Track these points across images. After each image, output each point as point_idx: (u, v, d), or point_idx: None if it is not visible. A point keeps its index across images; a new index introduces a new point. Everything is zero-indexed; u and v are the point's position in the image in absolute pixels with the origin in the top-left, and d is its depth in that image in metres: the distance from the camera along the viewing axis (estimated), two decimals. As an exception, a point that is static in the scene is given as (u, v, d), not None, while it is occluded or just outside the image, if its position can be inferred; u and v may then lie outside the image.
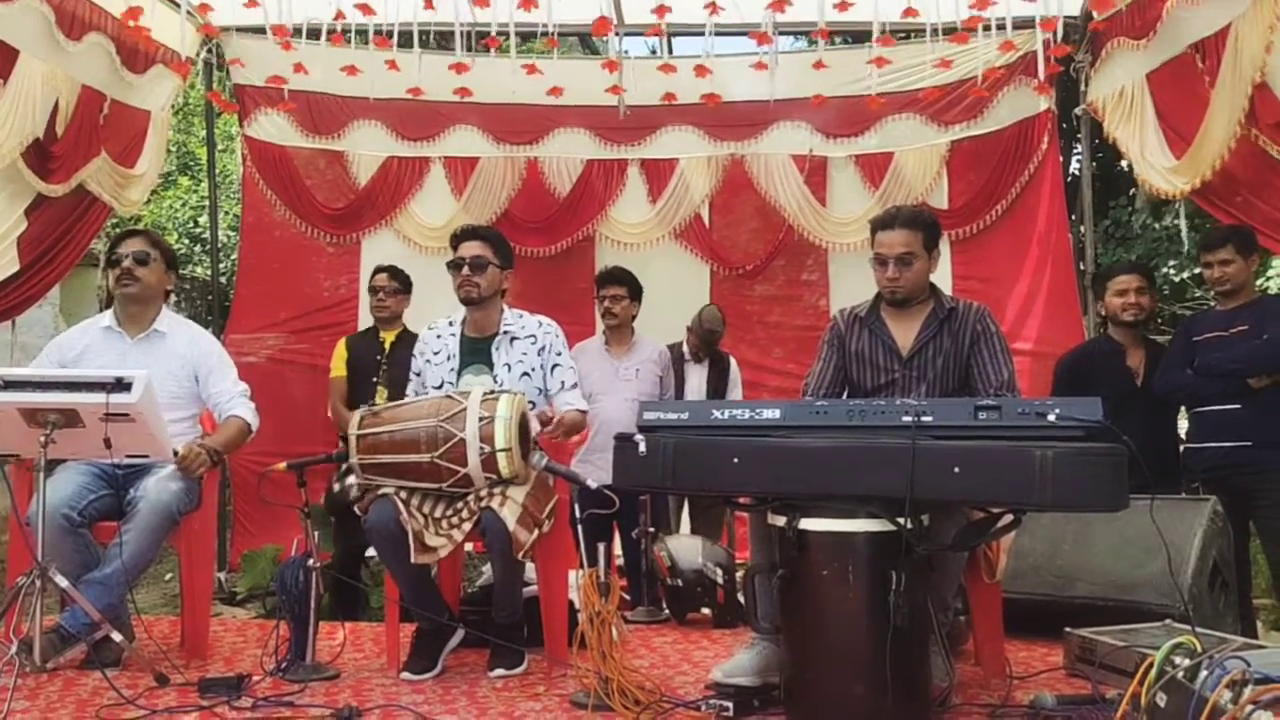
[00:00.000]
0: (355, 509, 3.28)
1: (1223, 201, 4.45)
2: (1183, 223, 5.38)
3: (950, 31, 5.26)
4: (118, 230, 5.41)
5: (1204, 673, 2.07)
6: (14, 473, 3.28)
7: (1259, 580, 4.14)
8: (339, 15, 5.22)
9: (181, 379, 3.50)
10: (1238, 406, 3.69)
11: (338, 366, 4.94)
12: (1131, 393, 4.02)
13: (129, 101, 5.31)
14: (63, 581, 2.91)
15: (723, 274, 6.35)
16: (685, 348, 5.13)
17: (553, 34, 5.21)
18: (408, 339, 4.87)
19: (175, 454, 3.26)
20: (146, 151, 5.53)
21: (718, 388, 5.05)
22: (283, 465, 3.27)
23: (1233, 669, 2.03)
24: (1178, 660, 2.18)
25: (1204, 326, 3.97)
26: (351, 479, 3.17)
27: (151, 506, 3.19)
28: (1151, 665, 2.20)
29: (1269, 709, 1.90)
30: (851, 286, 5.20)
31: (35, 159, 4.65)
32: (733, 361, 5.24)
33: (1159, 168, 4.82)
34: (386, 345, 4.88)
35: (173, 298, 8.98)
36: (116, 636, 3.05)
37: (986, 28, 5.10)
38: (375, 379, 4.79)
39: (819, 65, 5.56)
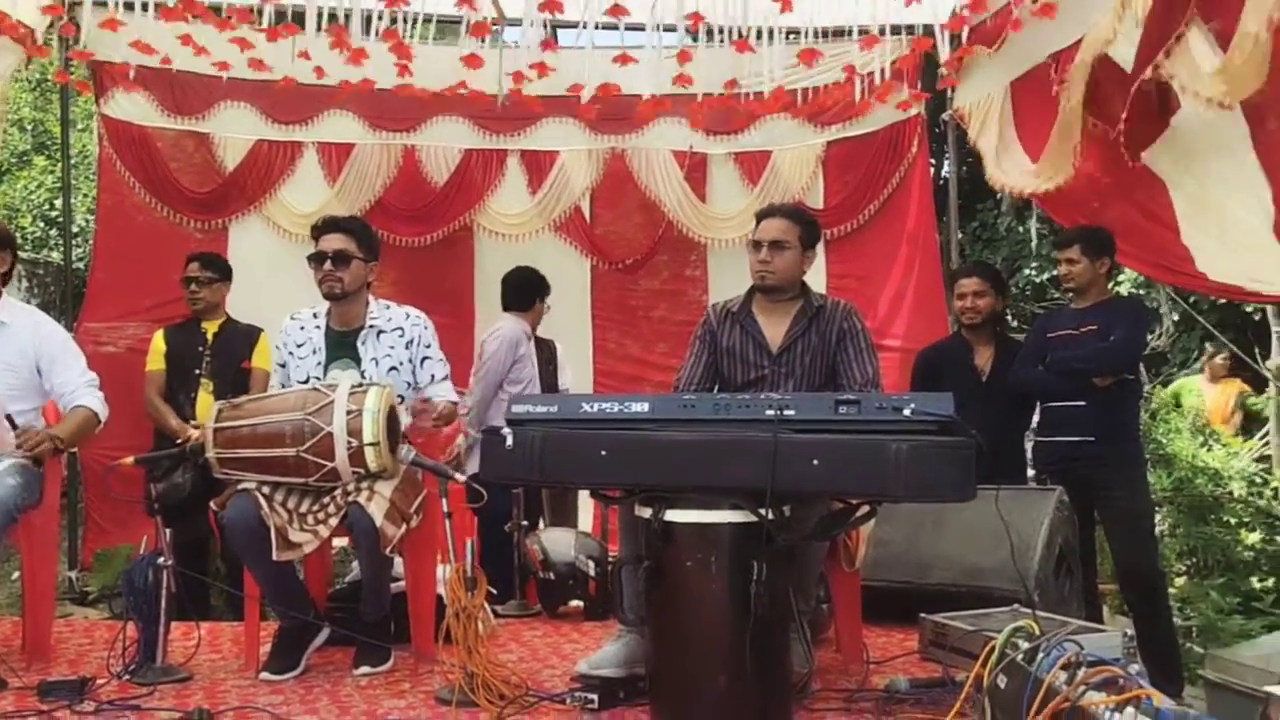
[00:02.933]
0: (213, 504, 3.17)
1: (1071, 208, 4.70)
2: (1033, 226, 5.66)
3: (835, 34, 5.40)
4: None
5: (1041, 655, 2.18)
6: None
7: (1105, 567, 4.37)
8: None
9: (21, 370, 3.29)
10: (1083, 403, 3.87)
11: (154, 359, 4.67)
12: (976, 389, 4.18)
13: None
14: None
15: (604, 267, 6.36)
16: None
17: (431, 19, 5.11)
18: (232, 329, 4.71)
19: (12, 425, 3.08)
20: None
21: (548, 370, 5.09)
22: (130, 460, 3.13)
23: (1067, 651, 2.14)
24: (1018, 643, 2.30)
25: (1057, 324, 4.16)
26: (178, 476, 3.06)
27: (-12, 503, 3.01)
28: (993, 648, 2.30)
29: (1100, 689, 2.01)
30: (731, 282, 5.24)
31: None
32: (559, 346, 5.28)
33: (1016, 171, 5.05)
34: (209, 336, 4.67)
35: (22, 281, 8.49)
36: (-52, 640, 2.87)
37: (864, 32, 5.25)
38: (198, 371, 4.60)
39: (685, 56, 5.59)
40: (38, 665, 3.13)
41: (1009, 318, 8.09)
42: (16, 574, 5.35)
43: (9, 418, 3.13)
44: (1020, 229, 9.10)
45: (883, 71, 5.51)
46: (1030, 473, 4.65)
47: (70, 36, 5.56)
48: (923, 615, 3.27)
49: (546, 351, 5.21)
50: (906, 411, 2.51)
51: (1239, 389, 7.65)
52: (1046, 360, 4.02)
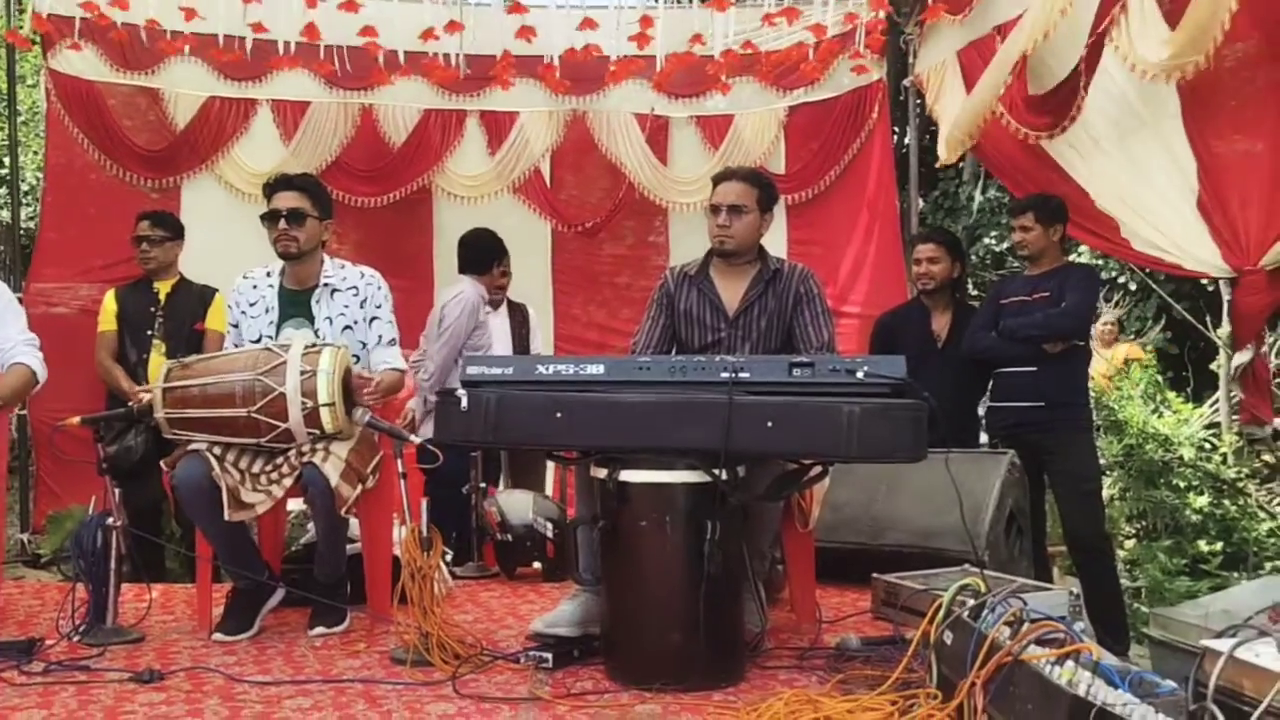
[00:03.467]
0: (163, 464, 3.13)
1: (1019, 174, 4.80)
2: (976, 192, 5.75)
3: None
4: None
5: (986, 612, 2.22)
6: None
7: (1055, 529, 4.46)
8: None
9: (-35, 329, 3.23)
10: (1034, 369, 3.93)
11: (106, 320, 4.57)
12: (932, 353, 4.23)
13: None
14: None
15: (564, 231, 6.32)
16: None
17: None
18: (185, 289, 4.63)
19: None
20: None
21: (520, 334, 5.06)
22: (76, 419, 3.08)
23: (1011, 608, 2.18)
24: (964, 601, 2.34)
25: (1010, 291, 4.20)
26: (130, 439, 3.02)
27: (-69, 463, 2.96)
28: (940, 606, 2.34)
29: (1043, 645, 2.05)
30: (691, 247, 5.25)
31: None
32: (531, 311, 5.26)
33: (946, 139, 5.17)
34: (161, 296, 4.59)
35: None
36: (-109, 602, 2.82)
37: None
38: (150, 332, 4.52)
39: (646, 22, 5.54)
40: (-14, 627, 3.10)
41: (969, 286, 8.16)
42: (-34, 537, 5.29)
43: None
44: (980, 197, 9.16)
45: (843, 34, 5.51)
46: (984, 438, 4.72)
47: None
48: (875, 575, 3.34)
49: (519, 315, 5.17)
50: (859, 374, 2.54)
51: (1127, 353, 7.80)
52: (999, 327, 4.06)
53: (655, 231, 6.42)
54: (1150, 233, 4.28)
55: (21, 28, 5.71)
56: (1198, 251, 4.09)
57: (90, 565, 2.96)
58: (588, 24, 5.36)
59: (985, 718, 2.04)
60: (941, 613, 2.32)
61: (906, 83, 5.80)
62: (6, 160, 10.74)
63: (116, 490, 3.04)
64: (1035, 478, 4.00)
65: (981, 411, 4.68)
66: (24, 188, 6.27)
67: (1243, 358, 4.08)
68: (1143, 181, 4.27)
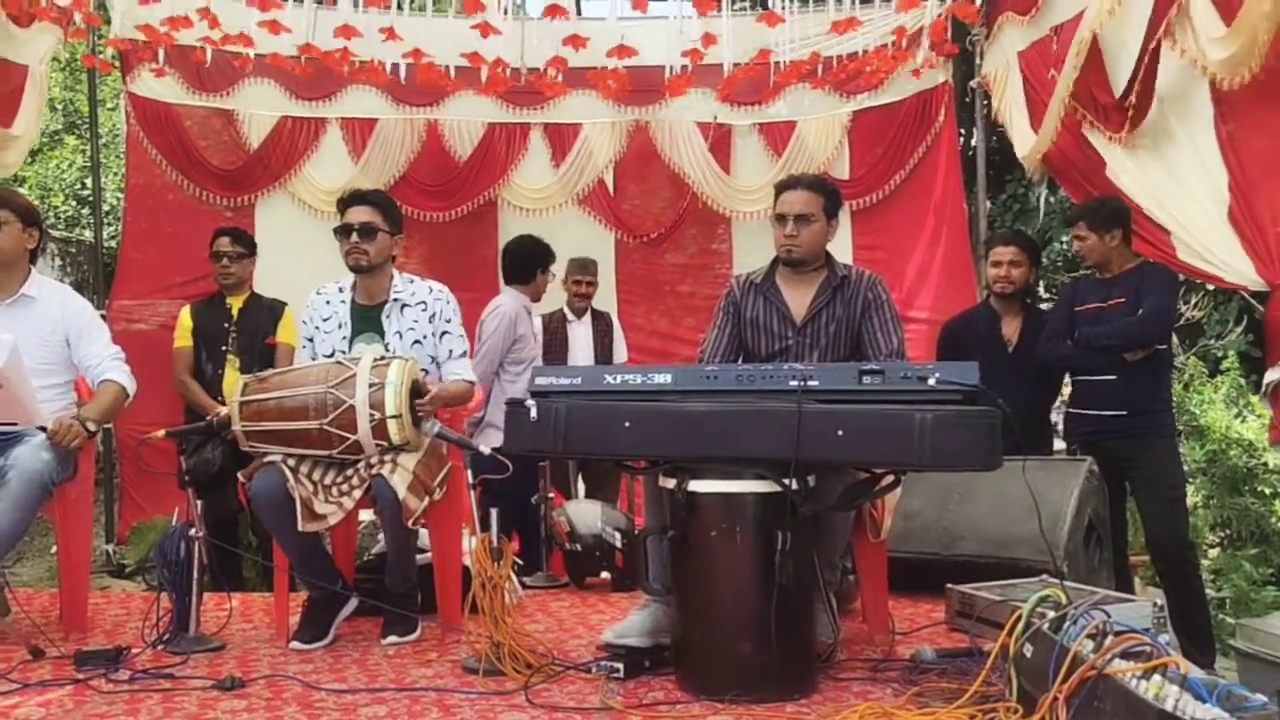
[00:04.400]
0: (240, 475, 3.20)
1: (1081, 179, 4.70)
2: (1042, 194, 5.65)
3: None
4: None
5: (1068, 624, 2.17)
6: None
7: (1137, 539, 4.33)
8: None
9: (53, 344, 3.33)
10: (1114, 378, 3.83)
11: (182, 336, 4.69)
12: (1003, 359, 4.13)
13: (6, 56, 5.04)
14: (-74, 555, 2.78)
15: (628, 241, 6.34)
16: (565, 308, 5.16)
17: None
18: (256, 304, 4.73)
19: (43, 430, 3.11)
20: (23, 110, 5.24)
21: (603, 344, 5.10)
22: (161, 433, 3.17)
23: (1094, 620, 2.12)
24: (1044, 612, 2.28)
25: (1084, 296, 4.08)
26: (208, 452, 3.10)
27: (23, 476, 3.04)
28: (1020, 618, 2.29)
29: (1127, 658, 1.99)
30: (755, 254, 5.22)
31: None
32: (616, 321, 5.29)
33: (1019, 146, 5.06)
34: (234, 312, 4.70)
35: (55, 259, 8.59)
36: (-13, 611, 2.93)
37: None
38: (224, 347, 4.63)
39: (709, 40, 5.55)
40: (75, 636, 3.18)
41: (1040, 289, 8.00)
42: (54, 548, 5.47)
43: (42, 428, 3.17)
44: (1051, 199, 8.95)
45: (907, 36, 5.45)
46: (1059, 445, 4.61)
47: (92, 21, 5.59)
48: (949, 585, 3.27)
49: (603, 323, 5.23)
50: (931, 381, 2.50)
51: None
52: (1074, 336, 3.96)
53: (718, 240, 6.42)
54: (1192, 242, 4.14)
55: (101, 53, 5.90)
56: (1235, 263, 3.94)
57: (174, 575, 3.04)
58: (644, 35, 5.39)
59: (1068, 733, 1.99)
60: (1021, 625, 2.27)
61: (974, 84, 5.71)
62: (89, 182, 11.18)
63: (198, 502, 3.11)
64: (1115, 485, 3.89)
65: (1055, 418, 4.58)
66: (104, 208, 6.47)
67: (1273, 375, 3.84)
68: (1181, 190, 4.16)
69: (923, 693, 2.51)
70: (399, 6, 5.53)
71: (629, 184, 6.42)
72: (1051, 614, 2.25)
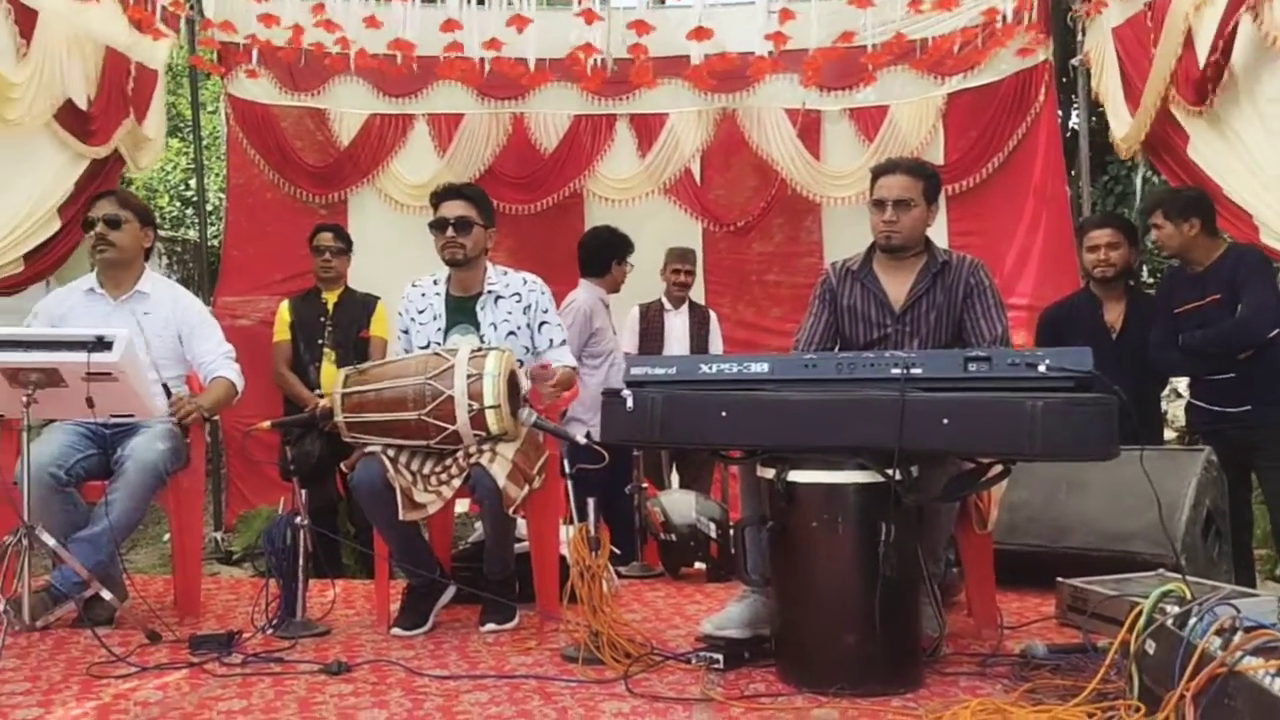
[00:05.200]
0: (343, 467, 3.26)
1: (1170, 160, 4.50)
2: (1137, 179, 5.44)
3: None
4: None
5: (1193, 620, 2.07)
6: (0, 434, 3.26)
7: (1258, 530, 4.14)
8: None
9: (166, 339, 3.46)
10: (1231, 376, 3.70)
11: (281, 331, 4.82)
12: (1108, 347, 3.98)
13: (144, 62, 5.32)
14: (50, 540, 2.90)
15: (715, 230, 6.29)
16: (663, 298, 5.14)
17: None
18: (350, 298, 4.84)
19: (167, 392, 3.27)
20: (152, 114, 5.51)
21: (700, 335, 5.07)
22: (267, 424, 3.25)
23: (1222, 616, 2.02)
24: (1167, 608, 2.18)
25: (1180, 295, 3.91)
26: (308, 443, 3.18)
27: (139, 465, 3.17)
28: (1141, 613, 2.19)
29: (1257, 655, 1.89)
30: (846, 242, 5.16)
31: (73, 123, 4.72)
32: (713, 313, 5.26)
33: (1116, 126, 4.91)
34: (330, 306, 4.80)
35: (161, 258, 8.93)
36: (106, 595, 3.04)
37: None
38: (321, 340, 4.73)
39: (787, 15, 5.46)
40: (188, 620, 3.30)
41: (1144, 272, 7.70)
42: (166, 535, 5.68)
43: (165, 385, 3.31)
44: (1155, 180, 8.62)
45: (1005, 16, 5.28)
46: (1169, 434, 4.44)
47: (204, 25, 5.77)
48: (1060, 579, 3.17)
49: (700, 315, 5.23)
50: (1041, 368, 2.40)
51: None
52: (1180, 341, 3.81)
53: (808, 228, 6.31)
54: (1274, 223, 3.93)
55: (208, 55, 6.09)
56: None
57: (281, 562, 3.12)
58: (730, 21, 5.34)
59: (1196, 733, 1.90)
60: (1143, 620, 2.17)
61: (1075, 62, 5.50)
62: (192, 182, 11.59)
63: (303, 491, 3.18)
64: (1235, 476, 3.72)
65: (1165, 406, 4.40)
66: (207, 208, 6.69)
67: None
68: (1261, 169, 3.96)
69: (1035, 689, 2.43)
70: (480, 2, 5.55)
71: (715, 173, 6.36)
72: (1175, 609, 2.16)
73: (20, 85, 4.39)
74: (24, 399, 2.81)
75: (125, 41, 5.17)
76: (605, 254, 4.83)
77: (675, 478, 5.06)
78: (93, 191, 4.74)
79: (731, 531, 3.94)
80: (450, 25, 5.50)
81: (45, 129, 4.65)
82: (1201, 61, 4.11)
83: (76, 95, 4.78)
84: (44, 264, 4.78)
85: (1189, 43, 4.22)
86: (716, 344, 5.26)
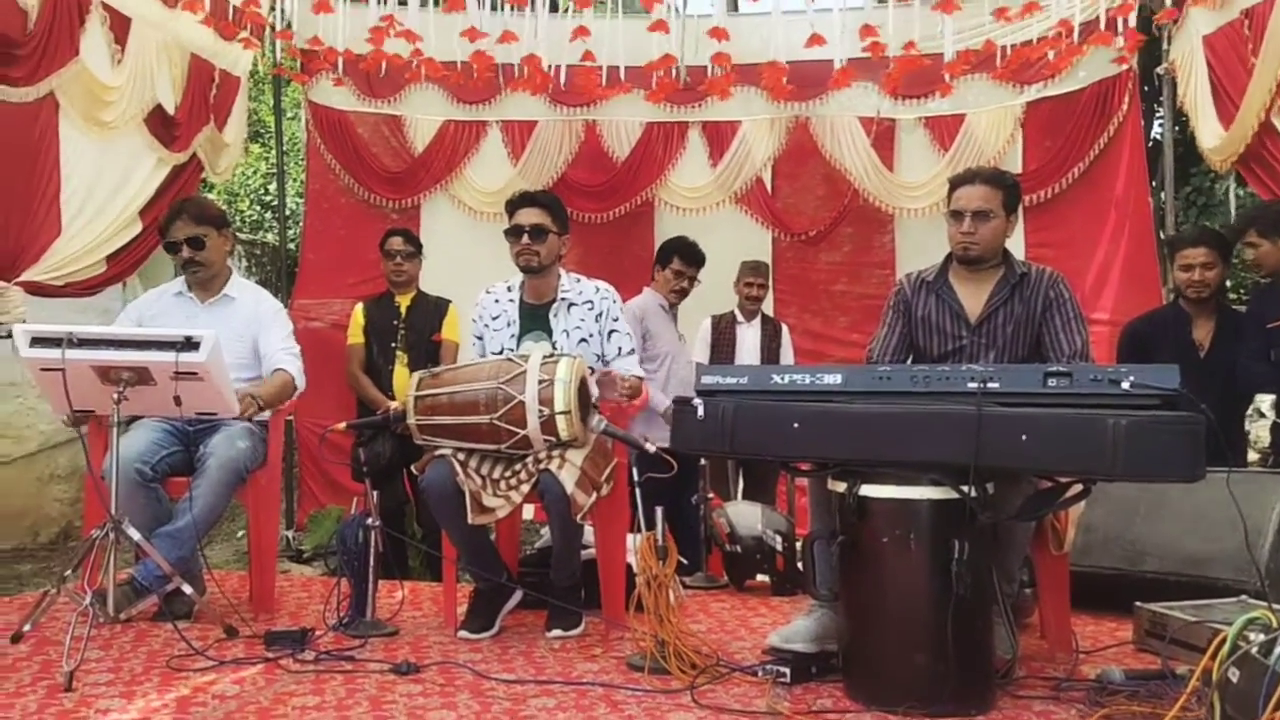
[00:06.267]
0: (413, 469, 3.31)
1: (1262, 172, 4.33)
2: (1230, 188, 5.23)
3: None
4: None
5: (1279, 649, 2.00)
6: (90, 430, 3.37)
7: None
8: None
9: (246, 340, 3.55)
10: None
11: (355, 333, 4.89)
12: (1195, 364, 3.85)
13: (226, 68, 5.49)
14: (135, 534, 2.99)
15: (785, 240, 6.26)
16: (735, 310, 5.14)
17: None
18: (423, 301, 4.90)
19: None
20: (233, 120, 5.67)
21: (771, 348, 5.07)
22: (342, 425, 3.32)
23: (1311, 646, 1.96)
24: (1252, 635, 2.11)
25: (1275, 310, 3.78)
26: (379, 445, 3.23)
27: (220, 462, 3.26)
28: (1225, 640, 2.13)
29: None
30: (919, 253, 5.10)
31: (159, 127, 4.90)
32: (785, 327, 5.26)
33: (1206, 137, 4.73)
34: (403, 310, 4.86)
35: (241, 261, 9.16)
36: (187, 589, 3.13)
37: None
38: (394, 344, 4.79)
39: (868, 30, 5.41)
40: (263, 616, 3.37)
41: (1228, 288, 7.45)
42: (241, 532, 5.83)
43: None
44: (1240, 193, 8.36)
45: (1090, 24, 5.16)
46: (1251, 455, 4.29)
47: (283, 36, 5.92)
48: (1138, 604, 3.08)
49: (771, 328, 5.24)
50: (1125, 385, 2.34)
51: None
52: (1273, 358, 3.67)
53: (878, 237, 6.24)
54: None
55: (291, 65, 6.25)
56: None
57: (352, 561, 3.18)
58: (816, 40, 5.31)
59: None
60: (1227, 647, 2.10)
61: (1160, 70, 5.35)
62: (271, 187, 11.88)
63: (375, 492, 3.24)
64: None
65: (1248, 426, 4.26)
66: (285, 213, 6.84)
67: None
68: None
69: (1111, 715, 2.37)
70: (561, 10, 5.61)
71: (787, 182, 6.32)
72: (1260, 637, 2.09)
73: (116, 89, 4.57)
74: (115, 396, 2.91)
75: (210, 49, 5.34)
76: (656, 259, 4.96)
77: (740, 487, 5.04)
78: (173, 196, 4.93)
79: (798, 545, 3.92)
80: (508, 37, 5.55)
81: (136, 133, 4.83)
82: None
83: (166, 101, 4.96)
84: (123, 265, 4.94)
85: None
86: (788, 356, 5.24)
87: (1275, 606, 2.48)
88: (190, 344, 2.91)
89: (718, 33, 5.53)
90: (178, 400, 2.95)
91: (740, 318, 5.19)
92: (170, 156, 5.03)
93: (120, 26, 4.66)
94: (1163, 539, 3.45)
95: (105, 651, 2.89)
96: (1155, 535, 3.48)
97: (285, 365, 3.54)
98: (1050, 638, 3.03)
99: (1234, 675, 2.08)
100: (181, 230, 3.53)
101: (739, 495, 4.91)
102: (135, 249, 4.95)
